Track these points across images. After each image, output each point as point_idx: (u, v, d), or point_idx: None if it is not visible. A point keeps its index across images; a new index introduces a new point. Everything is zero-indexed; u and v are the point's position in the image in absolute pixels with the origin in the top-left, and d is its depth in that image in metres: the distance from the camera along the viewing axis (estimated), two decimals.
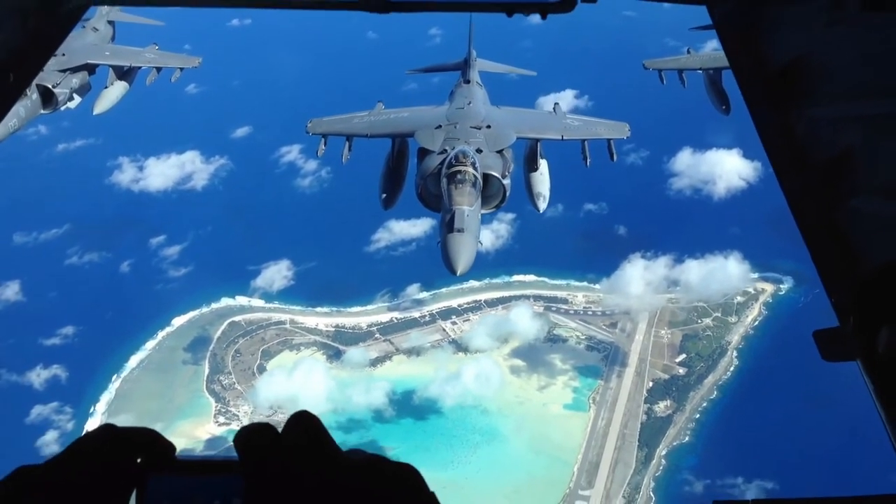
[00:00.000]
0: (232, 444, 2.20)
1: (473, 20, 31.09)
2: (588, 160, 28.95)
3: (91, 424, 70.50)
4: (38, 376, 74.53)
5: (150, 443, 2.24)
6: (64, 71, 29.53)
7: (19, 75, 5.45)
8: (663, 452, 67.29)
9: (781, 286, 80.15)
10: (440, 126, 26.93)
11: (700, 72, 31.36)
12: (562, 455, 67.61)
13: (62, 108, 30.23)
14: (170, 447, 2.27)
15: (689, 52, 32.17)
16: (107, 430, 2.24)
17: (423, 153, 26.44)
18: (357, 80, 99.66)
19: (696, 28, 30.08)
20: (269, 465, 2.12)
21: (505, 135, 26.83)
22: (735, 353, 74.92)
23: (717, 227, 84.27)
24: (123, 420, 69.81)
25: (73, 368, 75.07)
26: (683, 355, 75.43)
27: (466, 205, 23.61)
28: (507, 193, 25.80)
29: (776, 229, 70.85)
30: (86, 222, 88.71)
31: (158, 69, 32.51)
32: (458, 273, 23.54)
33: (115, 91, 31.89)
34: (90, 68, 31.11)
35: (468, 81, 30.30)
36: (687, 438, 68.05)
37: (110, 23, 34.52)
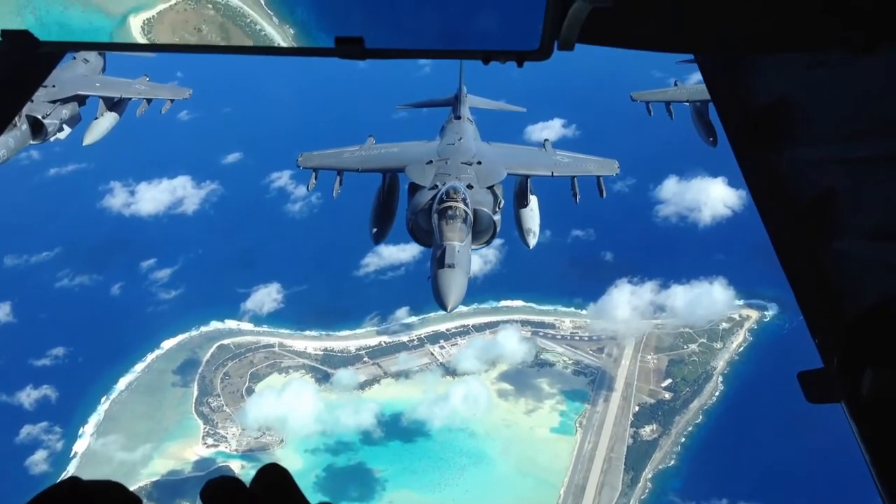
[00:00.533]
0: (199, 498, 2.18)
1: None
2: (577, 196, 29.05)
3: (79, 446, 70.90)
4: (28, 396, 75.12)
5: (116, 497, 2.20)
6: (54, 102, 29.35)
7: None
8: (649, 475, 67.96)
9: (766, 313, 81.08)
10: (431, 161, 26.93)
11: (687, 104, 31.28)
12: (548, 477, 68.14)
13: (52, 139, 29.91)
14: (136, 501, 2.23)
15: (676, 84, 32.25)
16: (72, 483, 2.19)
17: (414, 188, 26.34)
18: (346, 107, 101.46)
19: (683, 62, 29.84)
20: None
21: (495, 171, 26.79)
22: (720, 379, 75.72)
23: (702, 253, 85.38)
24: (113, 440, 70.44)
25: (63, 389, 75.52)
26: (669, 380, 76.23)
27: (457, 240, 23.52)
28: (498, 229, 25.72)
29: (761, 256, 71.64)
30: (77, 245, 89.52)
31: (149, 101, 32.33)
32: (449, 309, 23.31)
33: (105, 122, 31.64)
34: (80, 99, 30.85)
35: (459, 117, 30.29)
36: (673, 462, 68.72)
37: (101, 54, 33.98)
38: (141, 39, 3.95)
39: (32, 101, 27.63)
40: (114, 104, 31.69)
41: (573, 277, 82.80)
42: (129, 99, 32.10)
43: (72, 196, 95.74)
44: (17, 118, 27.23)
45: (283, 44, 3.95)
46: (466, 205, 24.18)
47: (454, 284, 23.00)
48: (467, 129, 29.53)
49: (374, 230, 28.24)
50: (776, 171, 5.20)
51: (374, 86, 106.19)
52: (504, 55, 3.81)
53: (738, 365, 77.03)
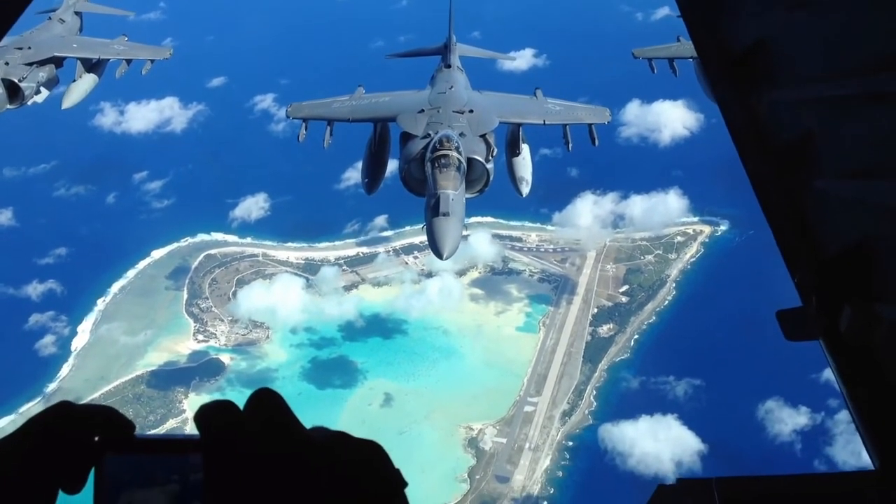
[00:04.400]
0: (193, 421, 2.17)
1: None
2: (570, 145, 29.07)
3: (77, 343, 76.29)
4: (34, 289, 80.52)
5: (108, 421, 2.16)
6: (30, 64, 28.37)
7: None
8: (605, 367, 73.80)
9: (718, 228, 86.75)
10: (422, 110, 26.60)
11: (691, 60, 29.89)
12: (513, 369, 74.08)
13: (29, 103, 28.91)
14: (129, 425, 2.18)
15: (679, 39, 31.15)
16: (63, 407, 2.15)
17: (406, 138, 25.97)
18: (325, 37, 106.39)
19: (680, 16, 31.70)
20: (231, 444, 2.10)
21: (487, 119, 26.56)
22: (673, 285, 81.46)
23: (661, 170, 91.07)
24: (116, 327, 75.78)
25: (68, 284, 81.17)
26: (626, 286, 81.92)
27: (451, 189, 23.14)
28: (491, 178, 25.38)
29: (717, 175, 77.74)
30: (71, 159, 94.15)
31: (128, 61, 31.36)
32: (445, 257, 23.32)
33: (84, 84, 30.77)
34: (57, 61, 29.85)
35: (449, 66, 30.12)
36: (627, 355, 74.60)
37: (77, 14, 33.57)
38: None
39: (7, 63, 27.82)
40: (92, 65, 30.85)
41: (540, 192, 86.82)
42: (108, 60, 31.27)
43: (63, 115, 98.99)
44: None
45: None
46: (459, 153, 23.90)
47: (449, 232, 22.86)
48: (458, 77, 29.45)
49: (366, 180, 28.70)
50: (756, 112, 5.16)
51: (351, 11, 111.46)
52: None
53: (690, 273, 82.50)
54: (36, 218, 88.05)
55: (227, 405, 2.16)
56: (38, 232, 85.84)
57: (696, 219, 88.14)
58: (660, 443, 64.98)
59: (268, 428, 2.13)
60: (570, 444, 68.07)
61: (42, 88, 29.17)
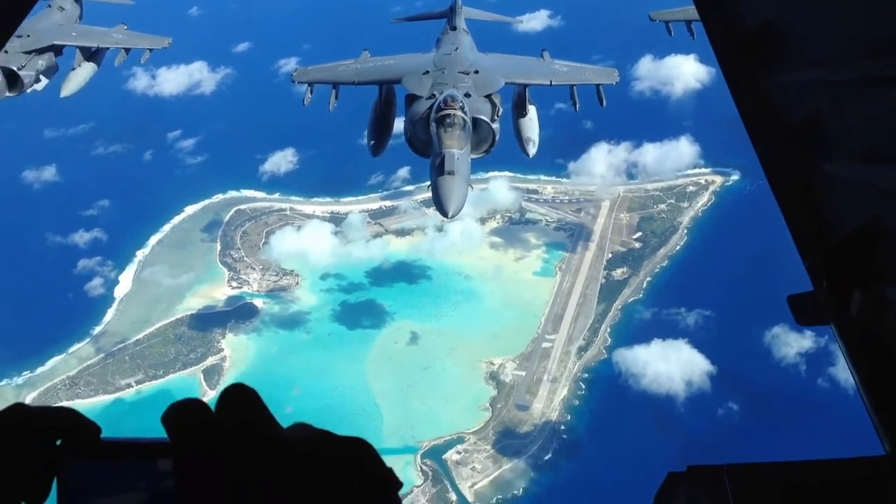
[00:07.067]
0: (161, 421, 2.02)
1: None
2: (577, 105, 29.47)
3: (120, 291, 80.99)
4: (81, 237, 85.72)
5: (71, 424, 2.03)
6: (29, 52, 28.15)
7: None
8: (619, 306, 77.41)
9: (730, 178, 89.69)
10: (427, 72, 26.53)
11: None
12: (531, 310, 77.86)
13: (28, 91, 28.57)
14: (94, 429, 2.05)
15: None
16: (21, 410, 2.01)
17: (412, 99, 25.95)
18: (344, 2, 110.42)
19: None
20: (202, 447, 1.97)
21: (493, 80, 26.41)
22: (685, 231, 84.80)
23: (673, 120, 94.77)
24: (157, 273, 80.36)
25: (112, 233, 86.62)
26: (640, 233, 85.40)
27: (456, 148, 23.04)
28: (497, 138, 25.33)
29: (728, 127, 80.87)
30: (108, 120, 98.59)
31: (127, 50, 31.05)
32: (451, 216, 22.99)
33: (83, 72, 30.47)
34: (56, 49, 29.55)
35: (454, 28, 30.14)
36: (640, 296, 78.23)
37: (77, 1, 33.37)
38: None
39: (6, 51, 27.47)
40: (91, 54, 30.63)
41: (556, 144, 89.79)
42: (107, 48, 30.93)
43: (98, 79, 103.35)
44: None
45: None
46: (465, 112, 23.77)
47: (455, 191, 22.65)
48: (463, 39, 29.44)
49: (372, 142, 28.24)
50: (765, 93, 5.04)
51: None
52: None
53: (702, 220, 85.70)
54: (77, 174, 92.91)
55: (197, 404, 2.03)
56: (79, 186, 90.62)
57: (708, 169, 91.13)
58: (671, 364, 69.08)
59: (242, 428, 2.00)
60: (587, 376, 71.83)
61: (41, 77, 28.97)
